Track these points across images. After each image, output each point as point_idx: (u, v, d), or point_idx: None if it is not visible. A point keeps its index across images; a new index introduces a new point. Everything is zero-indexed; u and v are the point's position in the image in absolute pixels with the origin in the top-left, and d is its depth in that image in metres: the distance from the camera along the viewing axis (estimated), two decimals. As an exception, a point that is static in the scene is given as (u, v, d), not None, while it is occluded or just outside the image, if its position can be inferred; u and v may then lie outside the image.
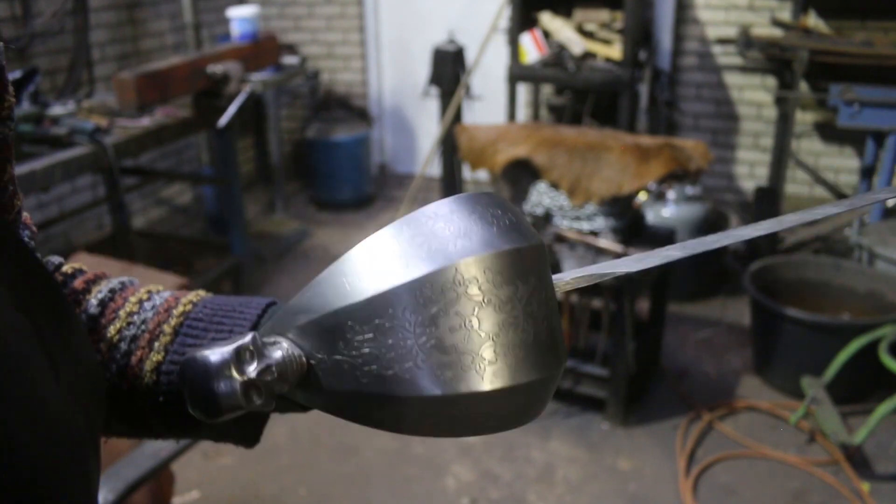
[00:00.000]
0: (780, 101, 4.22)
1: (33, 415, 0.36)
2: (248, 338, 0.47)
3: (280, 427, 2.94)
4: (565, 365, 0.50)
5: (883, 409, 2.55)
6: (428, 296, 0.45)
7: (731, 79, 4.53)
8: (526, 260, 0.47)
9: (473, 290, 0.45)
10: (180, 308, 0.61)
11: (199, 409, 0.46)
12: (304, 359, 0.48)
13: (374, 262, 0.46)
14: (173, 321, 0.60)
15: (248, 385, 0.45)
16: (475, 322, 0.45)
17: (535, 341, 0.47)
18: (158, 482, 1.90)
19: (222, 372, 0.45)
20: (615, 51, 3.88)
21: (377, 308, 0.45)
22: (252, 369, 0.45)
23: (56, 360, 0.39)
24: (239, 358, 0.45)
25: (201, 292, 0.63)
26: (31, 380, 0.37)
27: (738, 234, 0.59)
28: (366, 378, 0.46)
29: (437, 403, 0.45)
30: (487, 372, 0.45)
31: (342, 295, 0.46)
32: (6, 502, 0.34)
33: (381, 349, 0.45)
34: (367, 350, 0.46)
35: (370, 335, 0.45)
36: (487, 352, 0.45)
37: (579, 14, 4.00)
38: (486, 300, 0.45)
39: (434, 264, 0.45)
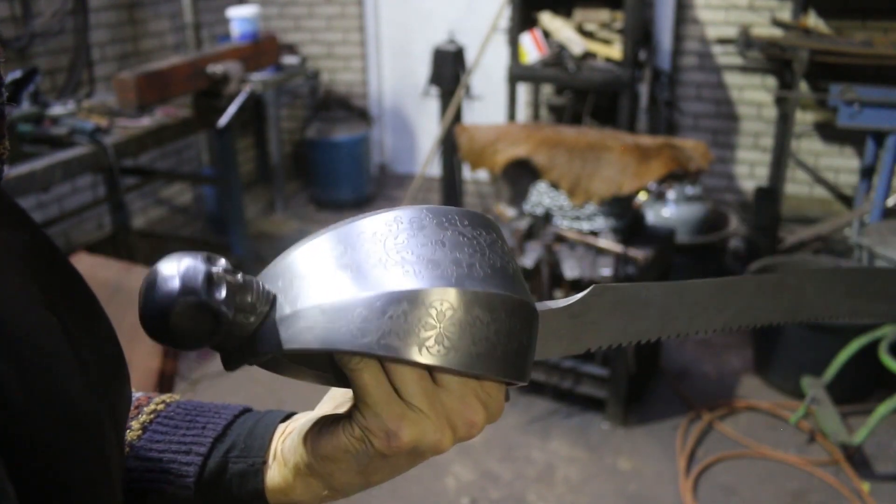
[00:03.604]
0: (780, 101, 4.22)
1: (59, 410, 0.37)
2: (221, 257, 0.47)
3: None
4: (535, 310, 0.49)
5: (883, 409, 2.55)
6: (398, 225, 0.47)
7: (731, 79, 4.53)
8: (487, 219, 0.50)
9: (442, 222, 0.48)
10: (152, 406, 0.60)
11: (154, 309, 0.43)
12: (270, 292, 0.47)
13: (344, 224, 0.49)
14: (143, 417, 0.59)
15: (212, 274, 0.44)
16: (443, 242, 0.47)
17: (502, 269, 0.48)
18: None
19: (189, 262, 0.44)
20: (615, 51, 3.88)
21: (349, 236, 0.47)
22: (219, 265, 0.45)
23: (82, 357, 0.40)
24: (209, 258, 0.45)
25: (175, 396, 0.62)
26: (59, 376, 0.38)
27: None
28: (334, 285, 0.45)
29: (402, 300, 0.44)
30: (456, 275, 0.45)
31: (312, 237, 0.49)
32: (32, 492, 0.34)
33: (351, 259, 0.46)
34: (341, 263, 0.46)
35: (341, 252, 0.47)
36: (455, 262, 0.46)
37: (579, 14, 4.00)
38: (453, 231, 0.47)
39: (403, 209, 0.48)
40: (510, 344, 0.47)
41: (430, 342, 0.44)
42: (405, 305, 0.44)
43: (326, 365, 0.56)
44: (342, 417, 0.51)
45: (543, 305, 0.53)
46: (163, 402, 0.61)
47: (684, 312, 0.57)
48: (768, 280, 0.59)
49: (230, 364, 0.49)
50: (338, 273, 0.46)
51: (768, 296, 0.60)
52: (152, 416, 0.59)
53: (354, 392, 0.49)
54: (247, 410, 0.61)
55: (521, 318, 0.47)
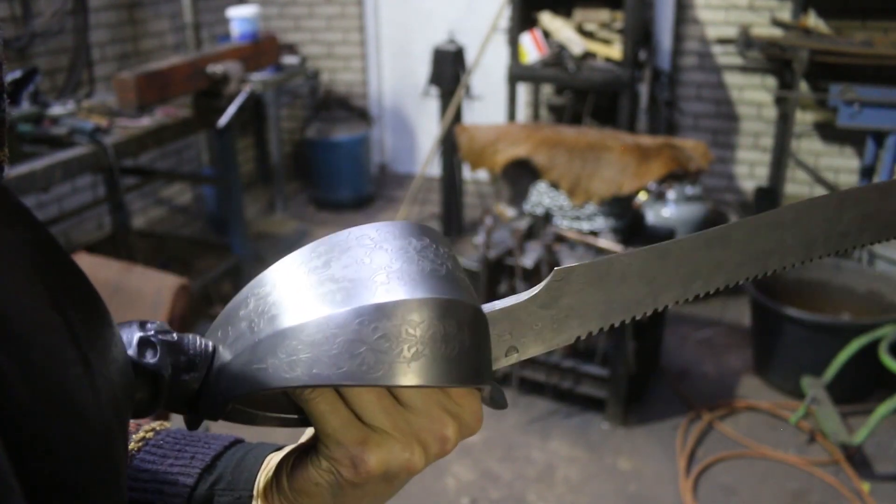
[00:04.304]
0: (780, 101, 4.22)
1: (65, 410, 0.37)
2: (155, 322, 0.47)
3: (281, 429, 2.94)
4: (479, 308, 0.47)
5: (883, 409, 2.55)
6: (321, 251, 0.47)
7: (731, 79, 4.53)
8: (416, 227, 0.49)
9: (365, 241, 0.47)
10: (141, 434, 0.59)
11: None
12: (209, 344, 0.47)
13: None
14: (131, 445, 0.58)
15: (145, 340, 0.45)
16: (367, 260, 0.46)
17: (433, 273, 0.46)
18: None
19: (124, 331, 0.45)
20: (615, 51, 3.88)
21: (276, 274, 0.47)
22: (149, 329, 0.46)
23: (87, 356, 0.40)
24: (141, 325, 0.46)
25: (166, 423, 0.61)
26: (63, 374, 0.38)
27: None
28: (260, 325, 0.45)
29: (325, 325, 0.43)
30: (380, 289, 0.44)
31: (245, 286, 0.49)
32: (38, 494, 0.34)
33: (277, 298, 0.46)
34: (266, 303, 0.46)
35: (269, 291, 0.47)
36: (380, 276, 0.45)
37: (579, 14, 4.00)
38: (377, 247, 0.46)
39: (328, 237, 0.48)
40: (448, 348, 0.44)
41: (358, 362, 0.42)
42: (330, 330, 0.43)
43: (291, 405, 0.55)
44: (310, 449, 0.50)
45: (505, 302, 0.50)
46: (152, 429, 0.60)
47: (675, 277, 0.53)
48: (762, 221, 0.54)
49: (190, 424, 0.49)
50: (263, 314, 0.45)
51: (768, 239, 0.55)
52: (141, 443, 0.58)
53: (314, 424, 0.48)
54: (238, 441, 0.60)
55: (457, 318, 0.45)
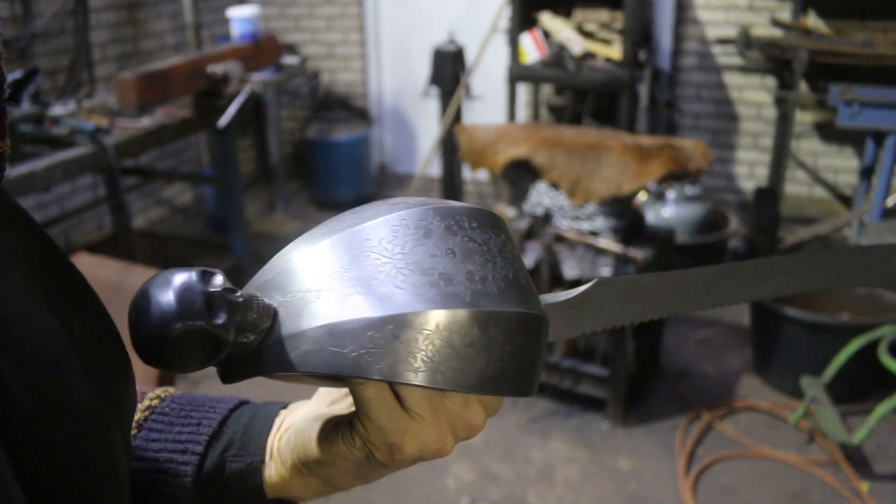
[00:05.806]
0: (779, 102, 4.22)
1: (66, 413, 0.37)
2: (217, 272, 0.43)
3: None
4: (547, 322, 0.48)
5: (882, 408, 2.55)
6: (405, 230, 0.45)
7: (731, 79, 4.53)
8: (495, 218, 0.49)
9: (451, 226, 0.46)
10: (146, 402, 0.59)
11: (148, 335, 0.40)
12: (271, 307, 0.45)
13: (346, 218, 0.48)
14: (137, 415, 0.58)
15: (211, 296, 0.41)
16: (454, 252, 0.45)
17: (515, 280, 0.46)
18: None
19: (185, 283, 0.41)
20: (615, 51, 3.88)
21: (353, 240, 0.45)
22: (217, 284, 0.42)
23: (87, 359, 0.40)
24: (204, 276, 0.42)
25: (170, 389, 0.61)
26: (64, 379, 0.38)
27: None
28: (340, 303, 0.43)
29: (414, 323, 0.42)
30: (471, 293, 0.44)
31: (311, 242, 0.46)
32: (39, 496, 0.35)
33: (356, 276, 0.43)
34: (343, 279, 0.44)
35: (346, 265, 0.44)
36: (468, 276, 0.44)
37: (579, 14, 4.00)
38: (462, 236, 0.46)
39: (410, 208, 0.46)
40: (524, 361, 0.46)
41: (445, 366, 0.43)
42: (417, 328, 0.42)
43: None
44: (341, 424, 0.50)
45: (543, 300, 0.52)
46: (157, 396, 0.60)
47: (678, 295, 0.58)
48: (765, 263, 0.61)
49: (229, 380, 0.47)
50: (344, 290, 0.43)
51: (763, 278, 0.61)
52: (147, 412, 0.58)
53: (356, 405, 0.48)
54: (243, 403, 0.60)
55: (535, 333, 0.46)
